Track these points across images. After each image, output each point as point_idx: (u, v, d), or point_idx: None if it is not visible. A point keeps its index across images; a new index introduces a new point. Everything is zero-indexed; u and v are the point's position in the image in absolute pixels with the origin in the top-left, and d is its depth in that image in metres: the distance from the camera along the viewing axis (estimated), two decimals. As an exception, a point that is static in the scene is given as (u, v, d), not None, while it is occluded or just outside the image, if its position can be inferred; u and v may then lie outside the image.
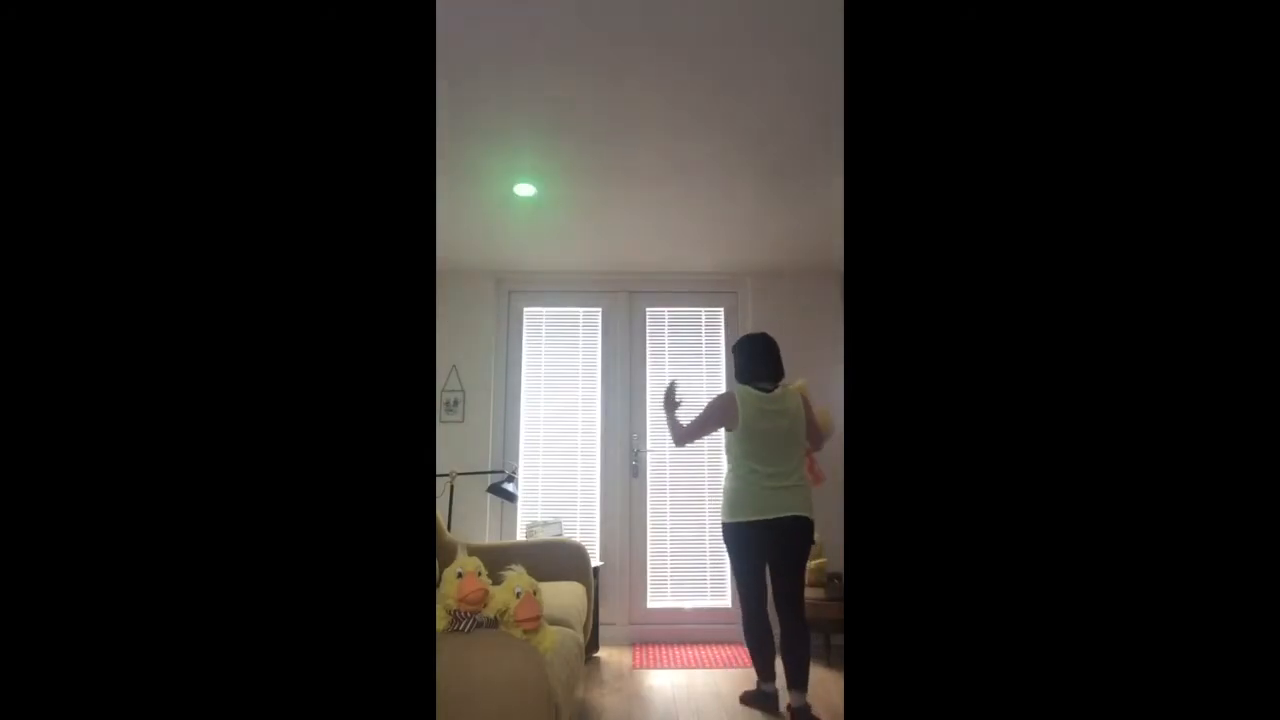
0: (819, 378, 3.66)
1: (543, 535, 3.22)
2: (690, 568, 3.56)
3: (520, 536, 3.45)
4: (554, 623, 2.02)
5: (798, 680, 2.29)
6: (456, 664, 1.52)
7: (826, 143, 2.32)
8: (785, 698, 2.37)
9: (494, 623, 1.76)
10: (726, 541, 2.43)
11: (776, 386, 2.49)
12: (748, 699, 2.54)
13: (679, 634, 3.44)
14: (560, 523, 3.38)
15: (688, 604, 3.51)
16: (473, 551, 2.28)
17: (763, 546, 2.36)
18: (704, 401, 2.61)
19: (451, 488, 3.22)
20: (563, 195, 2.78)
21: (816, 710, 2.34)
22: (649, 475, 3.62)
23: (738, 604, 3.04)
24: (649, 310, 3.79)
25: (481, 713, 1.45)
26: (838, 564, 3.29)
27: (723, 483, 2.48)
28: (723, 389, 3.70)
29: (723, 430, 2.48)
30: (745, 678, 2.88)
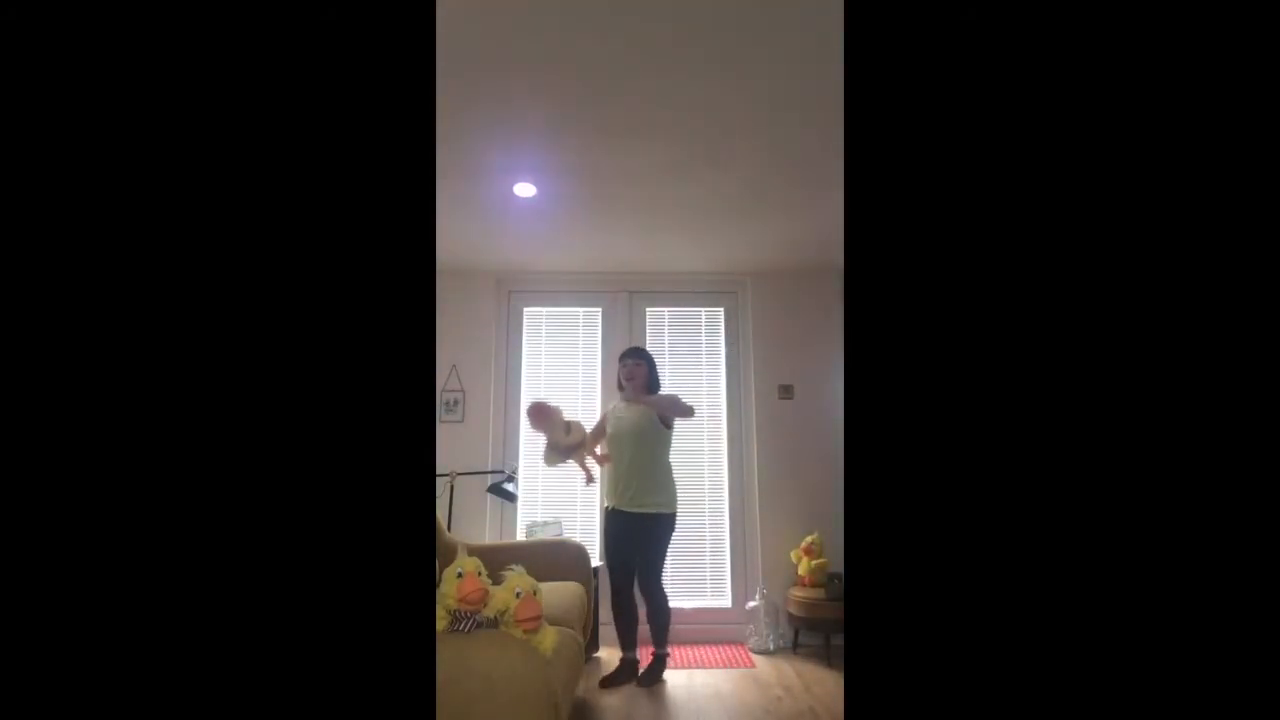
0: (819, 378, 3.67)
1: (543, 535, 3.22)
2: (690, 568, 3.56)
3: (520, 536, 3.45)
4: (554, 623, 2.02)
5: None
6: (456, 664, 1.52)
7: (827, 142, 2.32)
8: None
9: (494, 623, 1.76)
10: (667, 531, 2.80)
11: None
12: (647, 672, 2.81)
13: (679, 634, 3.43)
14: (560, 523, 3.38)
15: (688, 604, 3.51)
16: (473, 551, 2.28)
17: None
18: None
19: (451, 488, 3.22)
20: (563, 195, 2.78)
21: (815, 709, 2.47)
22: (649, 475, 3.62)
23: (732, 598, 3.24)
24: (649, 310, 3.78)
25: (481, 713, 1.45)
26: (838, 564, 3.29)
27: (663, 478, 2.82)
28: (723, 388, 3.71)
29: (658, 429, 2.82)
30: (747, 677, 2.89)
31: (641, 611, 2.88)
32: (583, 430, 2.90)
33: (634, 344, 3.69)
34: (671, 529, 2.82)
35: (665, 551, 2.82)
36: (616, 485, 2.82)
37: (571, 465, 2.95)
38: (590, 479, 2.99)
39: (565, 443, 2.85)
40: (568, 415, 2.91)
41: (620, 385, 2.96)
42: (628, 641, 2.86)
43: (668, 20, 1.71)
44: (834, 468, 3.49)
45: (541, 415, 2.85)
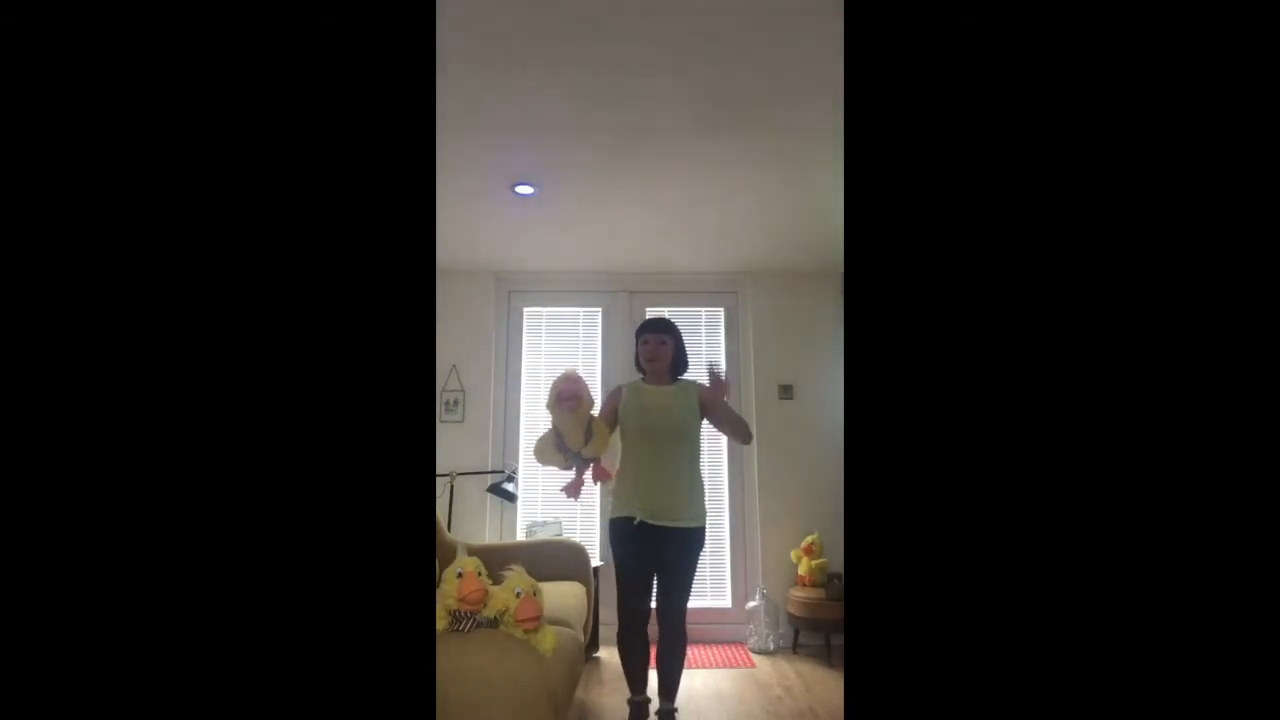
0: (818, 378, 3.67)
1: (543, 535, 3.22)
2: (690, 568, 3.56)
3: (520, 536, 3.45)
4: (554, 623, 2.02)
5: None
6: (456, 664, 1.52)
7: (827, 142, 2.32)
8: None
9: (494, 623, 1.76)
10: (701, 547, 2.19)
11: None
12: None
13: (679, 634, 3.43)
14: (560, 523, 3.38)
15: (688, 604, 3.50)
16: (473, 551, 2.28)
17: None
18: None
19: (451, 488, 3.22)
20: (563, 195, 2.78)
21: (815, 709, 2.40)
22: (649, 475, 3.61)
23: (732, 598, 3.20)
24: (649, 310, 3.78)
25: (481, 713, 1.45)
26: (838, 564, 3.29)
27: (700, 484, 2.21)
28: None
29: (699, 422, 2.25)
30: (746, 677, 2.89)
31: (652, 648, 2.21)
32: (604, 444, 2.18)
33: (635, 344, 3.52)
34: (704, 544, 2.21)
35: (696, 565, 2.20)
36: (640, 491, 2.13)
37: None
38: (579, 491, 2.21)
39: (584, 452, 2.15)
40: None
41: (640, 366, 2.30)
42: (642, 681, 2.21)
43: (668, 20, 1.71)
44: (834, 468, 3.49)
45: (576, 395, 2.10)
